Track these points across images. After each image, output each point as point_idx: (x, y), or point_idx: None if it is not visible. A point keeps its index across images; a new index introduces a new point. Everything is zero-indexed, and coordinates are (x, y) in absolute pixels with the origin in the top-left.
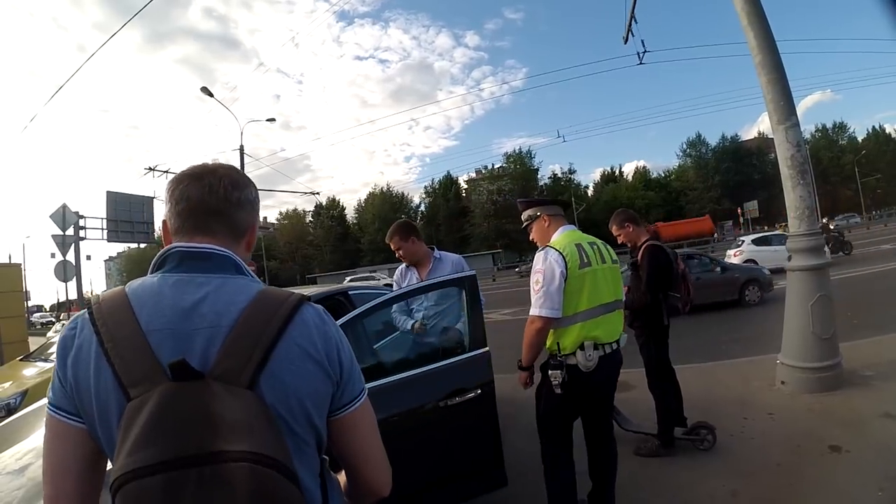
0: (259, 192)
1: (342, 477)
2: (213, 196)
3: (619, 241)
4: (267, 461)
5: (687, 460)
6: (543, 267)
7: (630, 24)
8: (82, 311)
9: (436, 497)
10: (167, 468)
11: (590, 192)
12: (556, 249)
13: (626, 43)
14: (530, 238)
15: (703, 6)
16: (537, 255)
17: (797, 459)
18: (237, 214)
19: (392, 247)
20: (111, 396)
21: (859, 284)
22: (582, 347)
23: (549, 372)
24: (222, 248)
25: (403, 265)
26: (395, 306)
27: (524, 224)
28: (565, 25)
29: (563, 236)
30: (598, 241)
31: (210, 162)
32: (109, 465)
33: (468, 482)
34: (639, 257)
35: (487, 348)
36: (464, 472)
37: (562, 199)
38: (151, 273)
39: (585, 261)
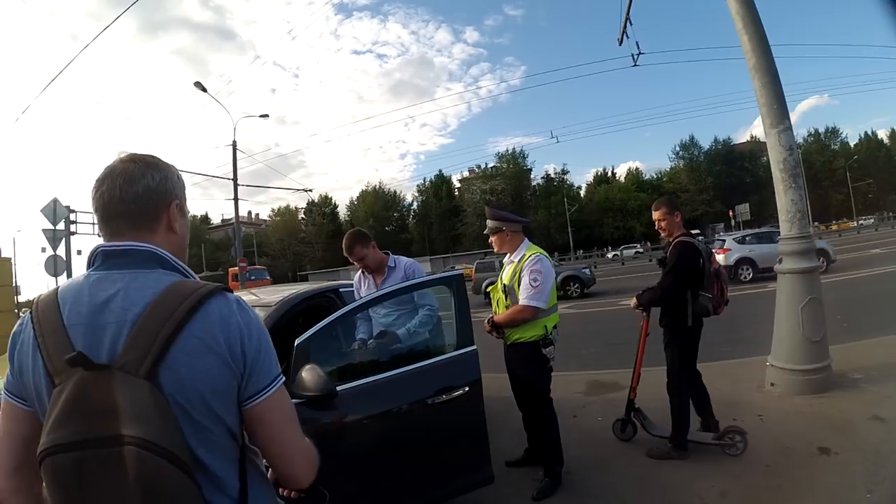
0: (251, 188)
1: None
2: (111, 201)
3: (658, 227)
4: (153, 448)
5: (677, 460)
6: (542, 268)
7: (625, 26)
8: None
9: (423, 494)
10: (77, 447)
11: (582, 192)
12: (548, 257)
13: (620, 45)
14: (492, 241)
15: (699, 9)
16: (532, 257)
17: (786, 461)
18: (140, 208)
19: (354, 257)
20: (43, 383)
21: (849, 288)
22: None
23: (544, 350)
24: (141, 244)
25: (360, 271)
26: (359, 314)
27: (491, 231)
28: (564, 24)
29: (537, 248)
30: None
31: (117, 158)
32: None
33: (455, 479)
34: (667, 253)
35: (475, 346)
36: (451, 469)
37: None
38: (85, 271)
39: None
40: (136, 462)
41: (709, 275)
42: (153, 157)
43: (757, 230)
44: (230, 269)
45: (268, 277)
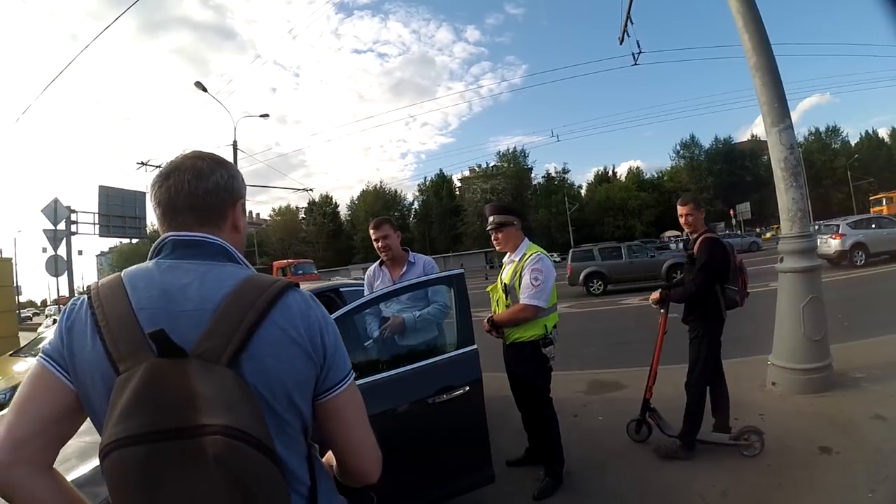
0: (251, 187)
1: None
2: (179, 195)
3: (684, 223)
4: (240, 435)
5: (683, 460)
6: (542, 267)
7: (626, 25)
8: (83, 295)
9: (424, 494)
10: (148, 439)
11: (583, 191)
12: (548, 256)
13: (621, 43)
14: (495, 239)
15: (699, 8)
16: (532, 256)
17: (787, 460)
18: (208, 204)
19: (380, 233)
20: (100, 368)
21: (850, 287)
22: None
23: (544, 349)
24: (212, 237)
25: (375, 264)
26: (368, 309)
27: (498, 225)
28: (565, 23)
29: (537, 247)
30: None
31: (181, 153)
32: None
33: (456, 479)
34: (695, 249)
35: (476, 346)
36: (452, 468)
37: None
38: (149, 259)
39: None
40: (221, 451)
41: (734, 269)
42: (218, 156)
43: (868, 216)
44: (274, 263)
45: (315, 272)
